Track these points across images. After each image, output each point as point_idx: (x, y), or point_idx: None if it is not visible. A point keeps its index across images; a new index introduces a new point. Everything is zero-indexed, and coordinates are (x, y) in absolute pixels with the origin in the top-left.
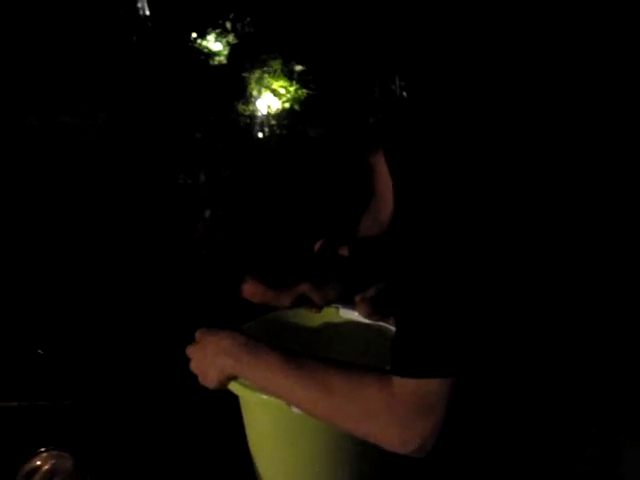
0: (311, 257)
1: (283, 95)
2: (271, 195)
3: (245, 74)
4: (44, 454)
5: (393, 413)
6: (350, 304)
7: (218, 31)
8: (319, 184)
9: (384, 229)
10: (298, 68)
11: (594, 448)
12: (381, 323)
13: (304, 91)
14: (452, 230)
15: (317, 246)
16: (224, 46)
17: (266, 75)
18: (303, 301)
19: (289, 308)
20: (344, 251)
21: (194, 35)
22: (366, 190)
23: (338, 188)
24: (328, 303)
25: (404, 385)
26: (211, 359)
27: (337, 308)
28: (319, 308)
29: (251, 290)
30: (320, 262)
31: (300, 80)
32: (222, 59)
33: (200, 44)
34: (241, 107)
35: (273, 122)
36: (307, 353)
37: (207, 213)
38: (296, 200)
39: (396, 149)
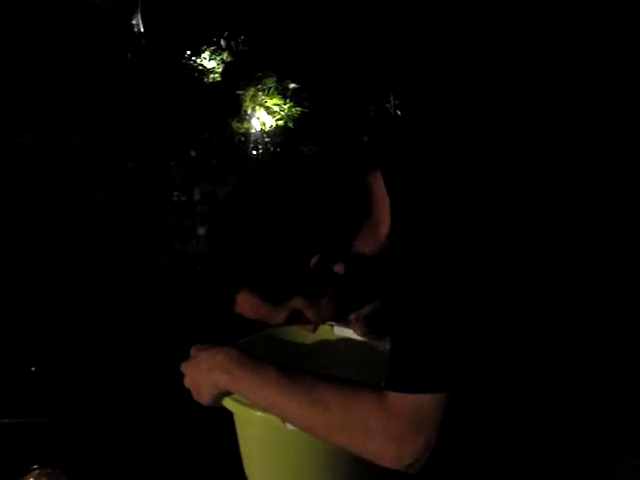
0: (306, 272)
1: (277, 113)
2: (268, 209)
3: (239, 92)
4: (37, 472)
5: (388, 429)
6: (344, 322)
7: (213, 49)
8: (316, 200)
9: (380, 248)
10: (292, 86)
11: (589, 466)
12: (376, 341)
13: (298, 109)
14: (446, 249)
15: (313, 261)
16: (218, 64)
17: (260, 93)
18: (297, 318)
19: (282, 325)
20: (340, 268)
21: (189, 52)
22: (363, 209)
23: (335, 205)
24: (322, 321)
25: (399, 400)
26: (205, 374)
27: (332, 326)
28: (313, 326)
29: (245, 304)
30: (315, 278)
31: (294, 98)
32: (216, 76)
33: (195, 61)
34: (235, 124)
35: (267, 139)
36: (302, 369)
37: (201, 230)
38: (293, 215)
39: (394, 170)
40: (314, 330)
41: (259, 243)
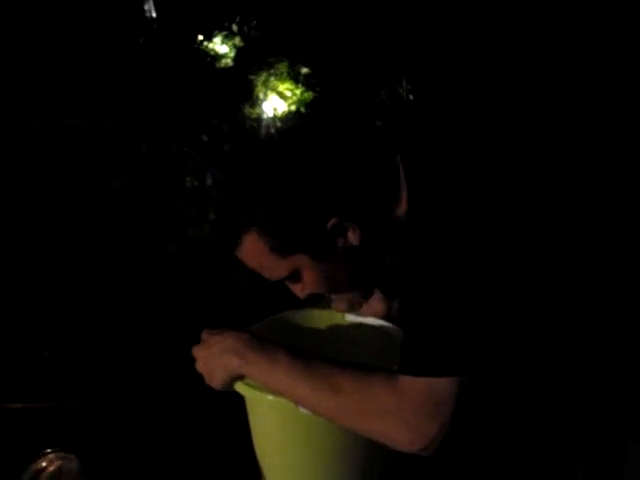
0: (321, 231)
1: (289, 98)
2: (304, 154)
3: (251, 77)
4: (50, 455)
5: (401, 412)
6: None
7: (224, 34)
8: (352, 164)
9: (396, 231)
10: (304, 70)
11: (599, 452)
12: (386, 324)
13: (310, 94)
14: (462, 234)
15: (330, 223)
16: (230, 49)
17: (272, 78)
18: (295, 279)
19: (278, 281)
20: (354, 238)
21: (200, 37)
22: (393, 189)
23: (369, 176)
24: (317, 289)
25: (413, 384)
26: (217, 358)
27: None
28: (305, 294)
29: (249, 247)
30: (327, 239)
31: (306, 83)
32: (228, 62)
33: (206, 47)
34: (247, 110)
35: (279, 125)
36: (314, 353)
37: (213, 215)
38: (326, 168)
39: (412, 162)
40: (304, 296)
41: (284, 184)
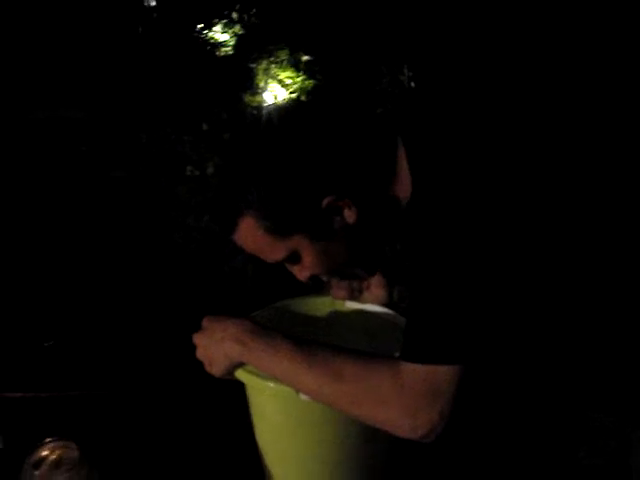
0: (317, 210)
1: (290, 86)
2: (297, 134)
3: (252, 65)
4: (51, 444)
5: (403, 399)
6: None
7: (224, 22)
8: (348, 142)
9: (396, 214)
10: (305, 58)
11: (606, 440)
12: (387, 311)
13: (311, 81)
14: (464, 223)
15: (325, 201)
16: (230, 37)
17: (273, 66)
18: (294, 260)
19: (278, 263)
20: (351, 217)
21: (200, 26)
22: (390, 168)
23: (366, 153)
24: (316, 271)
25: (414, 371)
26: (218, 346)
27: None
28: (305, 276)
29: (246, 231)
30: (324, 218)
31: (307, 70)
32: (229, 50)
33: (206, 35)
34: (248, 98)
35: (273, 109)
36: (315, 340)
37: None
38: (320, 146)
39: (415, 143)
40: (307, 280)
41: (275, 165)
